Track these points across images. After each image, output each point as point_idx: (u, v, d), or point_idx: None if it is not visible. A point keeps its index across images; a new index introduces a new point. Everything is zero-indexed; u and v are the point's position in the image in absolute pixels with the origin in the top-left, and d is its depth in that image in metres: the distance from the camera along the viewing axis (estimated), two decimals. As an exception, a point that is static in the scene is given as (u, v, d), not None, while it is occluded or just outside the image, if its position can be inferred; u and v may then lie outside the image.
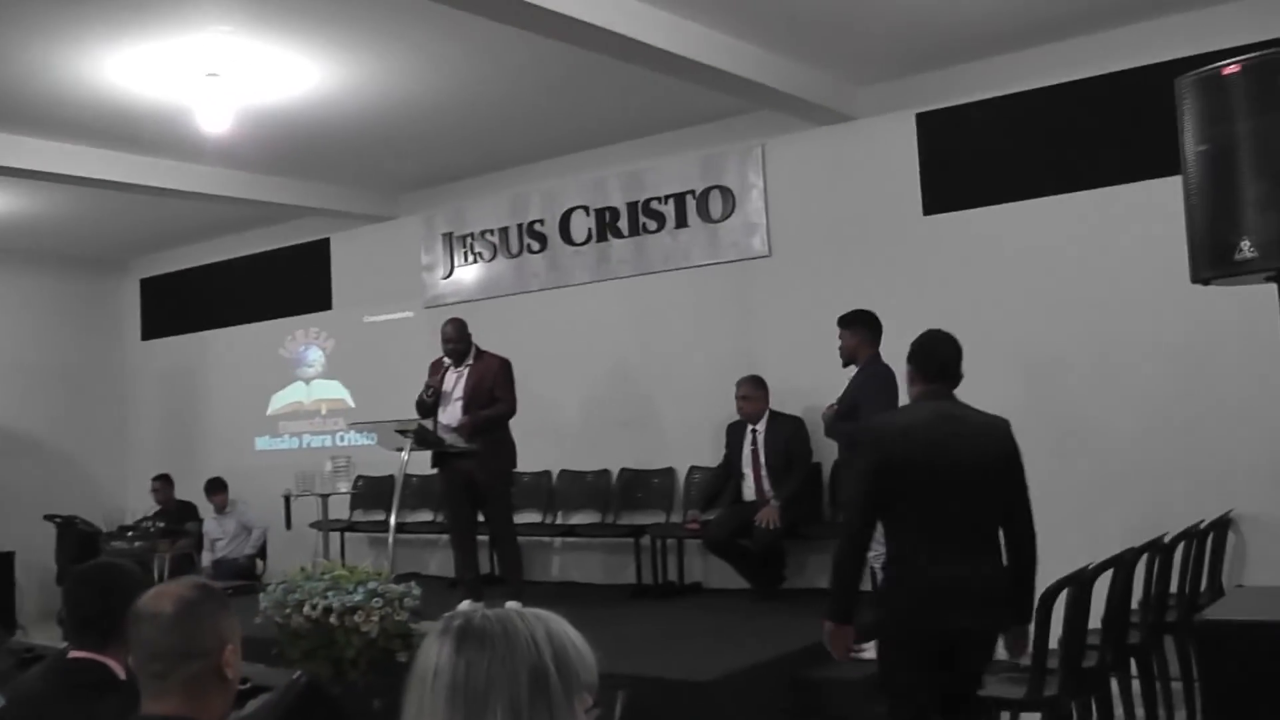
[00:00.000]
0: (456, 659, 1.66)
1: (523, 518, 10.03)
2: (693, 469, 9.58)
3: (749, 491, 8.76)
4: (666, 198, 9.83)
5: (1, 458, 12.56)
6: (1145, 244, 7.47)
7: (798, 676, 6.69)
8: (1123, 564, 5.43)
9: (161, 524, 11.34)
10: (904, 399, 5.50)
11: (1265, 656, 3.92)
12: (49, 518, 11.97)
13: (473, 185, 11.17)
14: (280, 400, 12.87)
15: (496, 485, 8.40)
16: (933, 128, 8.52)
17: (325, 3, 6.69)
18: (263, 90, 8.11)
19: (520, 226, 10.77)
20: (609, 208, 10.17)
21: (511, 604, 8.02)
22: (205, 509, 12.05)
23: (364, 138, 9.51)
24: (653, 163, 9.92)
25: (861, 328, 7.34)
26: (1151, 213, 7.28)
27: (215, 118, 8.00)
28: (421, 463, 8.65)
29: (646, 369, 9.98)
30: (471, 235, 11.15)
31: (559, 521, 10.26)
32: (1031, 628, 4.66)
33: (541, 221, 10.63)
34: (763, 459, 8.70)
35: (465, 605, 8.20)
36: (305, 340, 12.65)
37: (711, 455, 9.30)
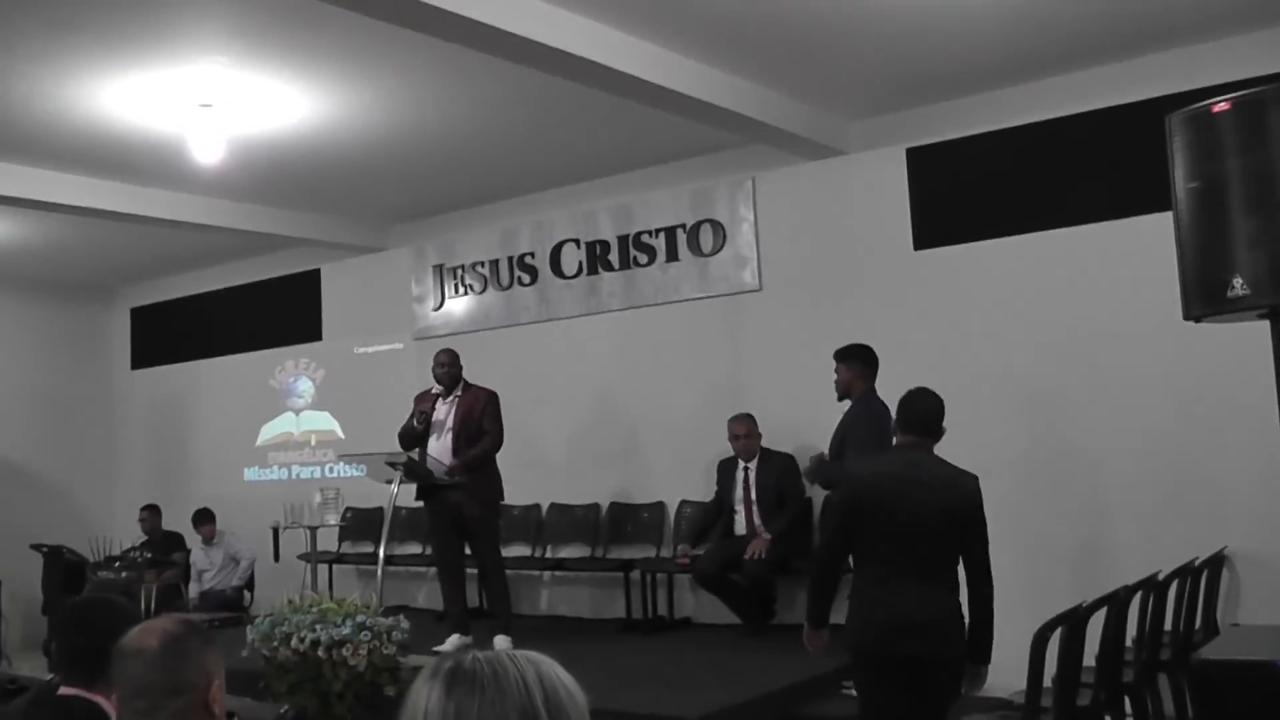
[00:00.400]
0: (446, 702, 1.63)
1: (511, 551, 10.00)
2: (683, 503, 9.54)
3: (740, 527, 8.74)
4: (657, 231, 9.83)
5: (-13, 486, 12.50)
6: (1137, 280, 7.48)
7: (788, 713, 6.68)
8: (1116, 602, 5.40)
9: (148, 554, 11.28)
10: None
11: (1260, 696, 3.90)
12: (35, 547, 11.89)
13: (463, 217, 11.18)
14: (270, 431, 12.83)
15: (483, 518, 8.37)
16: (923, 163, 8.54)
17: (319, 35, 6.70)
18: (256, 121, 8.11)
19: (511, 259, 10.77)
20: (599, 241, 10.17)
21: (500, 639, 8.02)
22: (193, 539, 12.00)
23: (356, 169, 9.52)
24: (643, 196, 9.93)
25: (857, 362, 7.34)
26: (1143, 249, 7.28)
27: (208, 148, 8.01)
28: (409, 495, 8.61)
29: (636, 402, 9.95)
30: (462, 267, 11.15)
31: (548, 555, 10.22)
32: (989, 669, 4.95)
33: (532, 254, 10.63)
34: (754, 495, 8.68)
35: (453, 639, 8.19)
36: (295, 371, 12.63)
37: (701, 489, 9.27)
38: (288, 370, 12.68)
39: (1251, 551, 7.07)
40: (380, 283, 11.85)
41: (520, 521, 10.30)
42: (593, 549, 10.00)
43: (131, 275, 13.89)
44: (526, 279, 10.67)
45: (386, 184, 10.13)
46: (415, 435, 8.51)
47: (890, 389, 7.13)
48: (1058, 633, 4.89)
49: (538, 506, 10.36)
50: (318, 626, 6.41)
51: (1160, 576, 5.99)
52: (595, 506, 10.09)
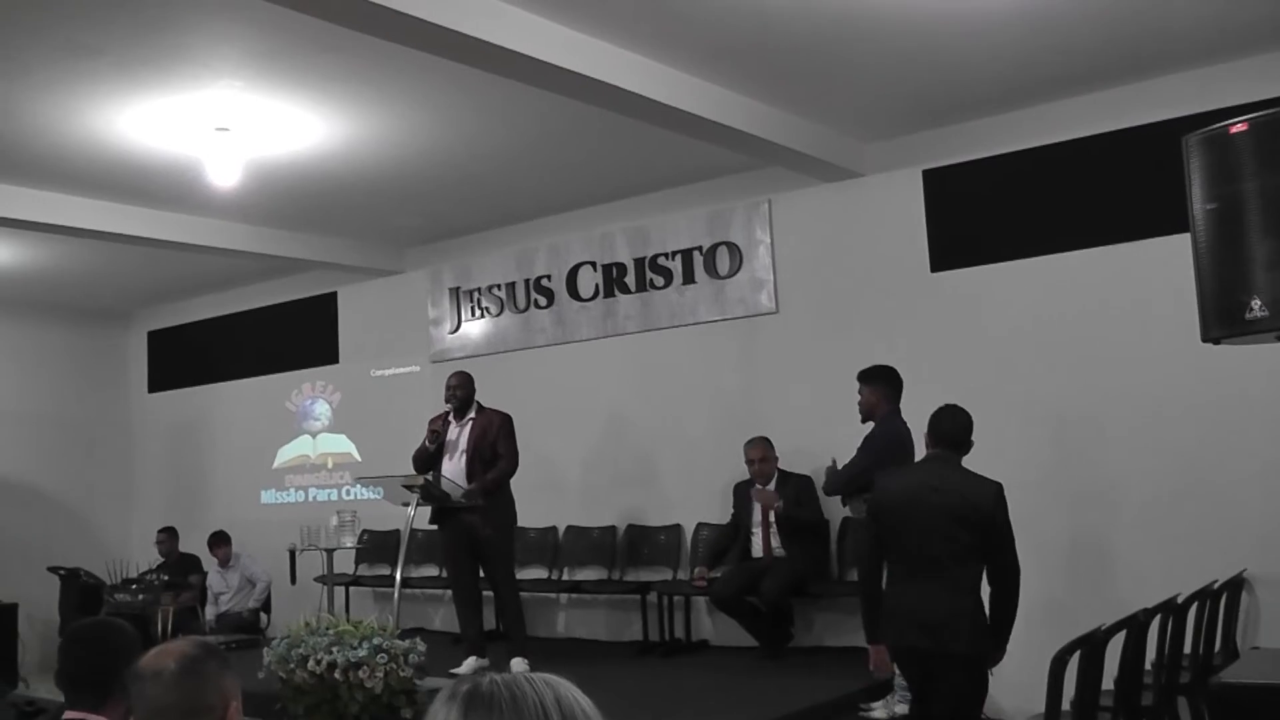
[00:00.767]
0: (464, 725, 1.63)
1: (528, 573, 10.00)
2: (700, 525, 9.52)
3: (757, 549, 8.72)
4: (673, 254, 9.84)
5: (6, 509, 12.53)
6: (1154, 302, 7.46)
7: (805, 736, 6.64)
8: (1135, 624, 5.37)
9: (165, 577, 11.30)
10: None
11: (1280, 720, 3.88)
12: (53, 570, 11.94)
13: (480, 240, 11.20)
14: (286, 454, 12.85)
15: (497, 541, 8.36)
16: (940, 184, 8.53)
17: (335, 59, 6.72)
18: (272, 145, 8.15)
19: (527, 282, 10.78)
20: (616, 263, 10.18)
21: (517, 662, 8.01)
22: (209, 562, 12.02)
23: (372, 192, 9.54)
24: (660, 218, 9.93)
25: (881, 383, 7.30)
26: (1160, 270, 7.26)
27: (225, 172, 8.05)
28: (427, 517, 8.61)
29: (653, 425, 9.94)
30: (478, 290, 11.16)
31: (564, 578, 10.20)
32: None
33: (548, 277, 10.64)
34: (772, 518, 8.66)
35: (470, 662, 8.18)
36: (312, 394, 12.65)
37: (718, 512, 9.26)
38: (304, 393, 12.71)
39: (1271, 574, 7.03)
40: (397, 306, 11.88)
41: (537, 544, 10.30)
42: (609, 571, 9.99)
43: (148, 299, 13.94)
44: (543, 302, 10.68)
45: (403, 207, 10.15)
46: (428, 457, 8.53)
47: (908, 411, 7.15)
48: (1076, 656, 4.86)
49: (554, 529, 10.35)
50: (334, 649, 6.41)
51: (1179, 599, 5.96)
52: (612, 529, 10.08)
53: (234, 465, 13.25)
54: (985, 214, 8.36)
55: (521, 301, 10.83)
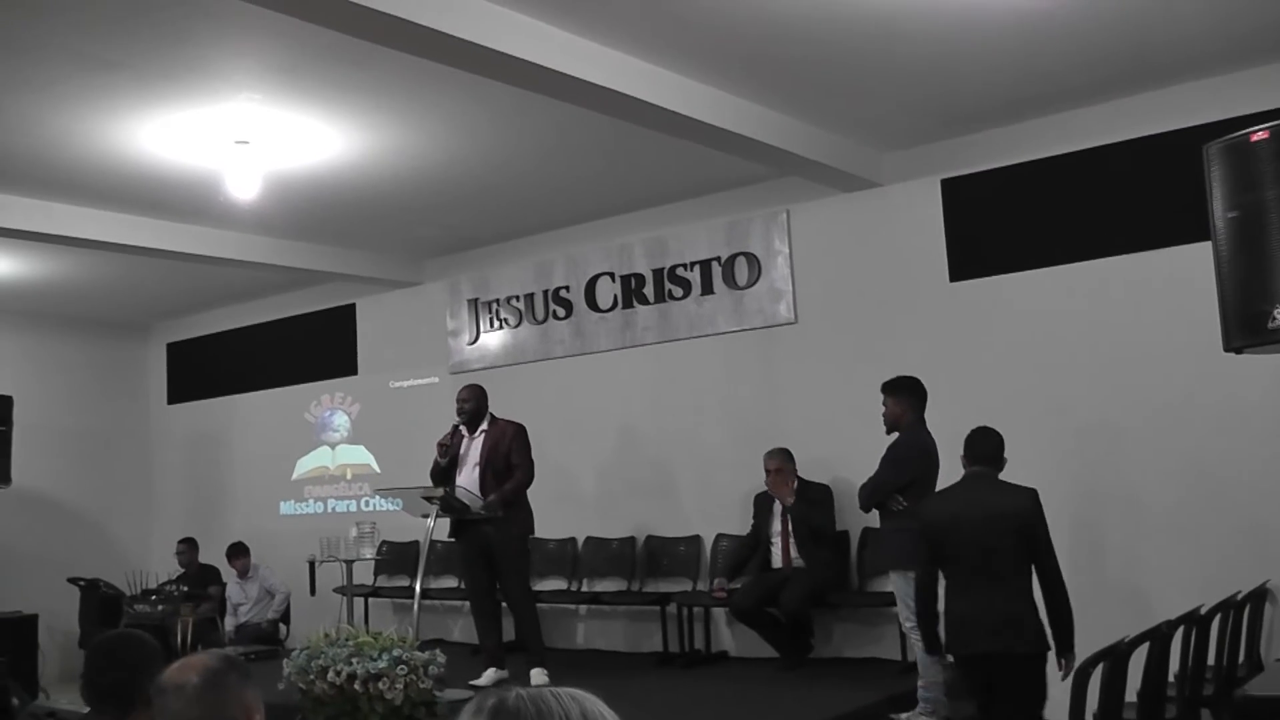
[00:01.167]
0: (490, 740, 1.63)
1: (547, 585, 10.00)
2: (719, 536, 9.50)
3: (777, 560, 8.70)
4: (692, 264, 9.83)
5: (26, 520, 12.56)
6: (1176, 311, 7.43)
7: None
8: (1159, 637, 5.35)
9: (184, 588, 11.32)
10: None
11: (1306, 733, 3.85)
12: (72, 581, 11.97)
13: (498, 251, 11.21)
14: (305, 465, 12.87)
15: (511, 552, 8.36)
16: (958, 194, 8.51)
17: (354, 72, 6.74)
18: (291, 157, 8.17)
19: (545, 293, 10.79)
20: (634, 274, 10.18)
21: (536, 673, 8.01)
22: (228, 573, 12.04)
23: (390, 204, 9.56)
24: (678, 229, 9.93)
25: (906, 394, 7.27)
26: (1181, 279, 7.24)
27: (244, 184, 8.06)
28: (446, 529, 8.62)
29: (672, 436, 9.94)
30: (497, 301, 11.17)
31: (584, 589, 10.19)
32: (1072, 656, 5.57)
33: (567, 288, 10.64)
34: (791, 528, 8.64)
35: (489, 673, 8.18)
36: (331, 405, 12.67)
37: (738, 523, 9.24)
38: (323, 404, 12.73)
39: (1295, 585, 7.01)
40: (415, 317, 11.90)
41: (556, 555, 10.29)
42: (629, 582, 9.97)
43: (167, 311, 13.98)
44: (561, 313, 10.68)
45: (421, 218, 10.16)
46: (442, 471, 8.54)
47: (929, 421, 7.13)
48: (1099, 668, 4.84)
49: (573, 540, 10.34)
50: (354, 660, 6.41)
51: (1202, 610, 5.93)
52: (631, 540, 10.06)
53: (253, 476, 13.28)
54: (1004, 223, 8.34)
55: (540, 313, 10.83)
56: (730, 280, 9.62)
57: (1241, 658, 6.52)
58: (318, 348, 12.77)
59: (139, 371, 14.59)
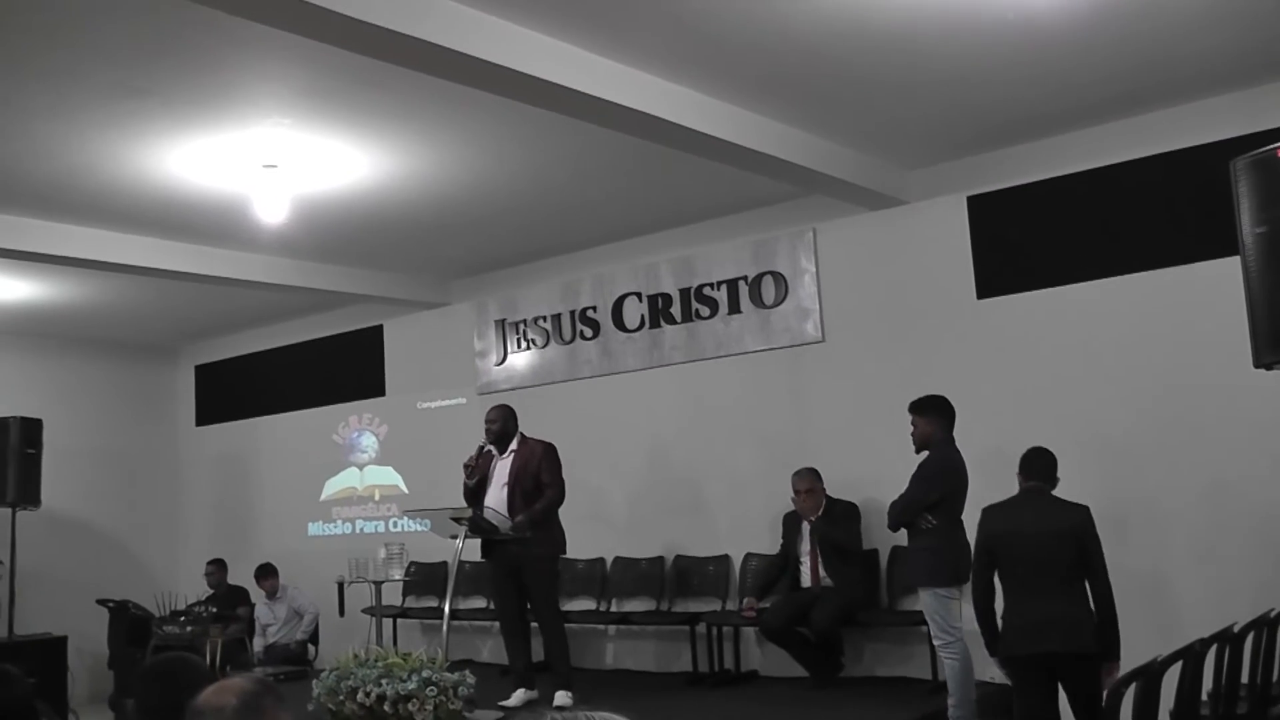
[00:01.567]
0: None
1: (576, 605, 10.00)
2: (748, 556, 9.48)
3: (806, 579, 8.68)
4: (719, 283, 9.84)
5: (55, 542, 12.62)
6: (1205, 327, 7.40)
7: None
8: (1192, 655, 5.31)
9: (213, 609, 11.35)
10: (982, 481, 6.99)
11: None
12: (101, 602, 12.00)
13: (525, 272, 11.24)
14: (333, 486, 12.91)
15: (541, 572, 8.35)
16: (984, 211, 8.50)
17: (381, 95, 6.78)
18: (319, 181, 8.21)
19: (573, 313, 10.81)
20: (661, 294, 10.18)
21: (560, 695, 8.01)
22: (256, 594, 12.07)
23: (417, 225, 9.60)
24: (704, 248, 9.94)
25: (934, 413, 7.22)
26: (1210, 295, 7.21)
27: (273, 208, 8.12)
28: (474, 549, 8.62)
29: (700, 455, 9.93)
30: (524, 322, 11.19)
31: (613, 609, 10.17)
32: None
33: (594, 308, 10.66)
34: (820, 546, 8.62)
35: (518, 694, 8.18)
36: (359, 426, 12.71)
37: (767, 542, 9.23)
38: (351, 425, 12.77)
39: (1329, 602, 6.94)
40: (443, 338, 11.93)
41: (584, 575, 10.29)
42: (658, 602, 9.96)
43: (196, 333, 14.06)
44: (588, 333, 10.70)
45: (448, 240, 10.20)
46: (470, 492, 8.55)
47: (957, 438, 7.10)
48: (1132, 688, 4.81)
49: (602, 560, 10.33)
50: (383, 681, 6.42)
51: (1235, 628, 5.89)
52: (660, 560, 10.06)
53: (281, 497, 13.33)
54: (1031, 240, 8.32)
55: (567, 333, 10.85)
56: (757, 299, 9.62)
57: (1276, 676, 6.47)
58: (345, 369, 12.82)
59: (168, 394, 14.66)
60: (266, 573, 11.96)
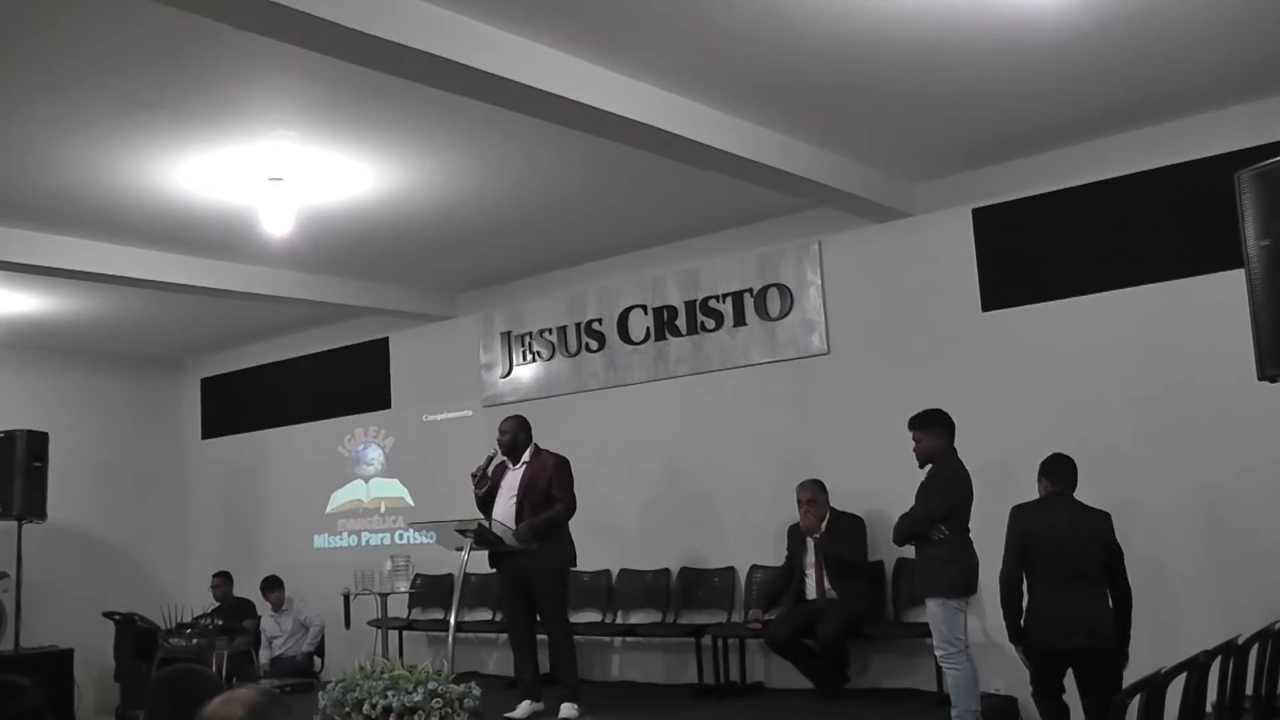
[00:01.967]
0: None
1: (582, 617, 9.99)
2: (754, 568, 9.48)
3: (811, 591, 8.67)
4: (724, 296, 9.85)
5: (62, 555, 12.64)
6: (1209, 339, 7.40)
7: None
8: (1196, 667, 5.31)
9: (220, 621, 11.36)
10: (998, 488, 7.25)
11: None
12: (108, 615, 12.02)
13: (530, 284, 11.26)
14: (339, 498, 12.91)
15: (549, 584, 8.34)
16: (990, 223, 8.51)
17: (386, 108, 6.79)
18: (324, 193, 8.23)
19: (578, 325, 10.82)
20: (667, 306, 10.19)
21: (566, 707, 8.01)
22: (262, 606, 12.07)
23: (423, 238, 9.62)
24: (710, 261, 9.95)
25: (935, 427, 7.20)
26: (1215, 307, 7.21)
27: (278, 220, 8.14)
28: (481, 561, 8.63)
29: (705, 468, 9.94)
30: (530, 334, 11.21)
31: (618, 621, 10.18)
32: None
33: (599, 320, 10.67)
34: (824, 559, 8.62)
35: (524, 706, 8.18)
36: (364, 439, 12.72)
37: (772, 554, 9.23)
38: (357, 438, 12.78)
39: (1334, 614, 6.94)
40: (448, 351, 11.94)
41: (590, 587, 10.28)
42: (664, 614, 9.96)
43: (202, 346, 14.08)
44: (594, 345, 10.71)
45: (454, 252, 10.22)
46: (480, 501, 8.56)
47: (961, 451, 7.11)
48: (1136, 700, 4.81)
49: (608, 572, 10.33)
50: (389, 693, 6.41)
51: (1240, 640, 5.88)
52: (665, 572, 10.05)
53: (287, 510, 13.33)
54: (1036, 252, 8.33)
55: (573, 345, 10.86)
56: (762, 312, 9.63)
57: (1281, 688, 6.47)
58: (351, 382, 12.84)
59: (174, 406, 14.68)
60: (272, 585, 11.96)
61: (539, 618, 8.48)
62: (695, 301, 10.02)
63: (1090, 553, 6.57)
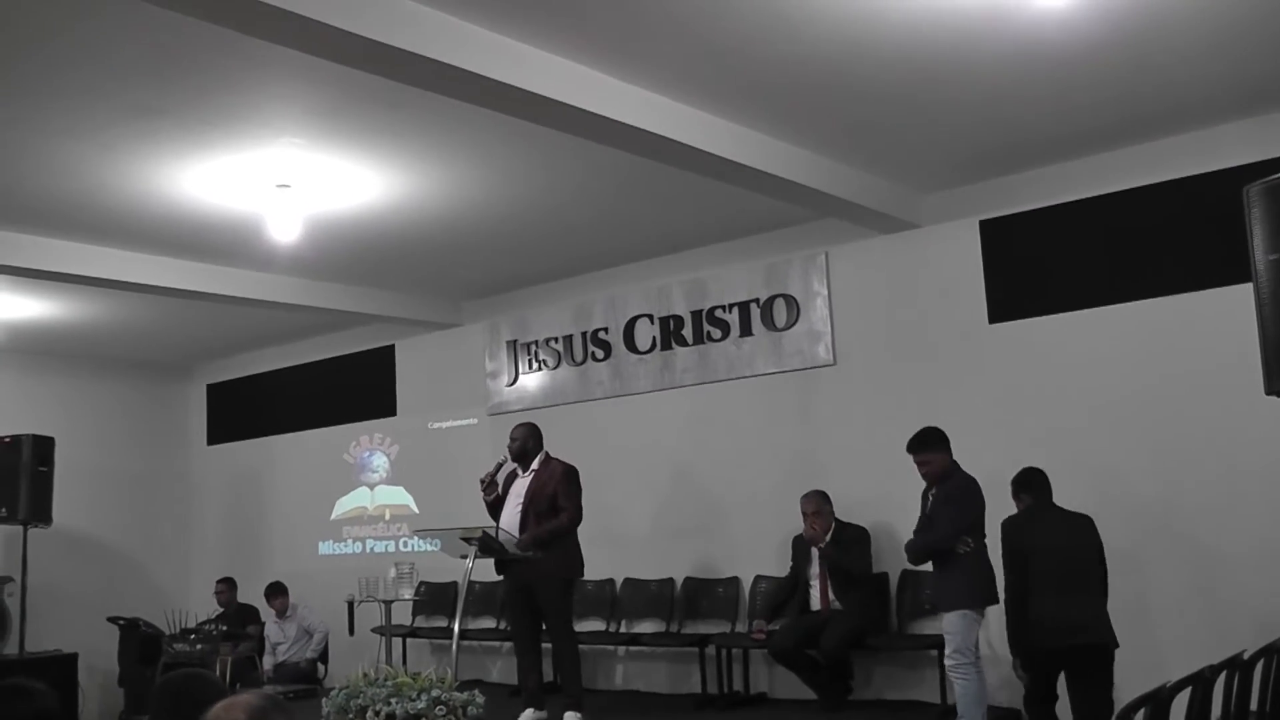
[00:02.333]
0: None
1: (586, 626, 9.97)
2: (758, 578, 9.47)
3: (816, 601, 8.66)
4: (730, 306, 9.84)
5: (66, 560, 12.64)
6: (1216, 353, 7.38)
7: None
8: (1201, 682, 5.29)
9: (223, 627, 11.36)
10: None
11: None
12: (112, 620, 12.03)
13: (537, 293, 11.26)
14: (344, 505, 12.92)
15: (554, 593, 8.33)
16: (997, 235, 8.50)
17: (394, 115, 6.80)
18: (331, 200, 8.23)
19: (584, 334, 10.82)
20: (673, 316, 10.19)
21: (570, 716, 7.99)
22: (266, 612, 12.07)
23: (430, 246, 9.62)
24: (716, 271, 9.95)
25: (941, 446, 7.17)
26: (1222, 321, 7.20)
27: (285, 227, 8.14)
28: (484, 570, 8.62)
29: (710, 478, 9.93)
30: (536, 343, 11.21)
31: (622, 630, 10.17)
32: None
33: (605, 329, 10.67)
34: (829, 570, 8.60)
35: (527, 714, 8.17)
36: (370, 446, 12.72)
37: (776, 564, 9.22)
38: (362, 445, 12.79)
39: (1339, 629, 6.92)
40: (454, 358, 11.94)
41: (594, 596, 10.27)
42: (667, 624, 9.95)
43: (208, 353, 14.10)
44: (600, 354, 10.71)
45: (460, 260, 10.23)
46: (490, 506, 8.56)
47: (967, 463, 7.11)
48: (1140, 714, 4.80)
49: (612, 581, 10.32)
50: (393, 700, 6.41)
51: (1245, 655, 5.87)
52: (670, 581, 10.04)
53: (292, 517, 13.33)
54: (1043, 264, 8.32)
55: (579, 354, 10.86)
56: (769, 322, 9.62)
57: (1286, 703, 6.45)
58: (357, 389, 12.84)
59: (179, 413, 14.69)
60: (277, 591, 11.96)
61: (544, 626, 8.48)
62: (702, 311, 10.02)
63: (1087, 556, 6.77)
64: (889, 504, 8.29)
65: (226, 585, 12.43)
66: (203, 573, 13.55)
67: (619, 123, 6.49)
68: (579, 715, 8.10)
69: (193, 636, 11.12)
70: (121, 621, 12.01)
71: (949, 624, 7.02)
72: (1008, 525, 6.91)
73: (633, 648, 10.18)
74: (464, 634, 8.66)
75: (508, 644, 10.09)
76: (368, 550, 12.59)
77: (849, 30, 5.90)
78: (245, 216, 8.38)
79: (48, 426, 12.04)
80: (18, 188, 7.82)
